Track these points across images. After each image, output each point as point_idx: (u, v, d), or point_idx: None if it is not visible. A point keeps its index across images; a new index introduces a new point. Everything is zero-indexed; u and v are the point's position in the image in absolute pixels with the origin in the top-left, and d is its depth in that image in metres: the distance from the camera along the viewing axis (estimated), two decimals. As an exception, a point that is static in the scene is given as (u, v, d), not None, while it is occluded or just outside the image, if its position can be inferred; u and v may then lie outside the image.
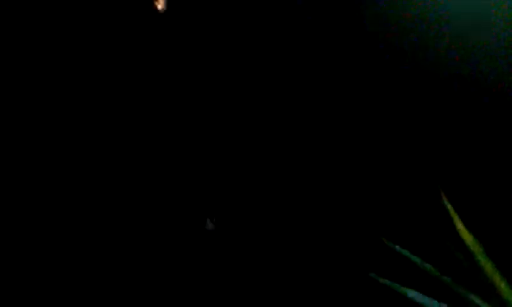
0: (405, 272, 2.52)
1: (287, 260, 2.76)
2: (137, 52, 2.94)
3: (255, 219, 2.83)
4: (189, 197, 2.90)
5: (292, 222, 2.78)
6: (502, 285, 2.22)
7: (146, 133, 2.93)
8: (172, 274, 2.83)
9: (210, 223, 2.66)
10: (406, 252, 2.41)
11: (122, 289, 2.81)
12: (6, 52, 2.92)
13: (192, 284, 2.82)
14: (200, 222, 2.88)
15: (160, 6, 2.32)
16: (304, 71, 2.92)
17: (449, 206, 2.32)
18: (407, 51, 2.86)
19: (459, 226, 2.29)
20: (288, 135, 2.90)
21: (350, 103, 2.89)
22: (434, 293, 2.38)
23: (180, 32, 2.93)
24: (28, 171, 2.90)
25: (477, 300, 2.26)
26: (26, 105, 2.92)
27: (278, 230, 2.78)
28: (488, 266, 2.23)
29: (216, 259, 2.82)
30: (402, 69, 2.86)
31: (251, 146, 2.91)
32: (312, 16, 2.90)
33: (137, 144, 2.92)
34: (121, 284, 2.82)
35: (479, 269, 2.25)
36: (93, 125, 2.93)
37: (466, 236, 2.27)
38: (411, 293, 2.32)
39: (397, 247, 2.44)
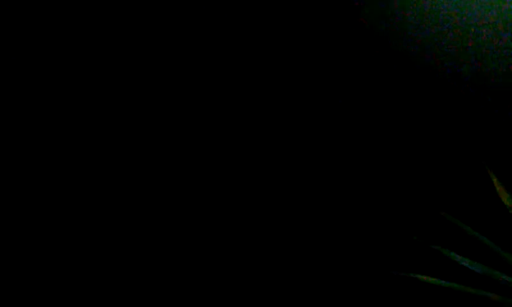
0: (455, 240, 2.62)
1: (348, 225, 2.82)
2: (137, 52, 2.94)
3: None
4: (188, 197, 2.91)
5: (354, 192, 2.84)
6: None
7: (148, 132, 2.93)
8: (173, 273, 2.84)
9: None
10: (457, 221, 2.47)
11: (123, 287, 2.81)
12: (7, 52, 2.92)
13: (194, 283, 2.82)
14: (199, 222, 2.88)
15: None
16: (305, 70, 2.92)
17: (494, 178, 2.38)
18: (407, 51, 2.86)
19: (503, 196, 2.35)
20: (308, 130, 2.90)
21: (354, 99, 2.89)
22: (482, 258, 2.46)
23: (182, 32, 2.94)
24: (28, 171, 2.90)
25: None
26: (30, 105, 2.92)
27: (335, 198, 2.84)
28: None
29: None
30: (401, 68, 2.86)
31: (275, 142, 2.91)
32: (312, 16, 2.90)
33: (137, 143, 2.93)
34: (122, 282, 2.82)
35: None
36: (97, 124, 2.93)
37: (504, 197, 2.33)
38: (463, 261, 2.38)
39: (449, 216, 2.52)
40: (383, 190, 2.82)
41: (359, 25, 2.88)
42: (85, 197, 2.90)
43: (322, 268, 2.78)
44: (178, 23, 2.95)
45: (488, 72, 2.82)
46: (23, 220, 2.87)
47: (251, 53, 2.93)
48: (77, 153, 2.92)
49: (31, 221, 2.87)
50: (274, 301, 2.76)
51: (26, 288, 2.80)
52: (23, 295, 2.79)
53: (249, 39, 2.93)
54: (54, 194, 2.90)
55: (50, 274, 2.82)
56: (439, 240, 2.70)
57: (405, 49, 2.87)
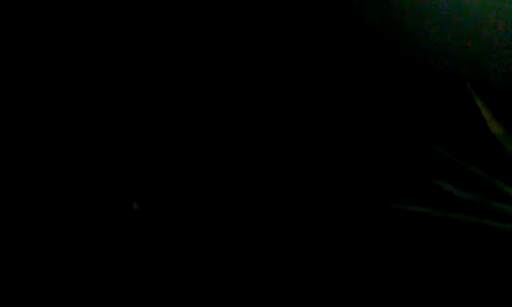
0: (441, 169, 2.65)
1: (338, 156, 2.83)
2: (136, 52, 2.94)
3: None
4: (186, 195, 2.91)
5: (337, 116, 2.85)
6: None
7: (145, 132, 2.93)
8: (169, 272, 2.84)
9: (136, 204, 2.70)
10: (444, 152, 2.47)
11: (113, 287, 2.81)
12: (7, 52, 2.92)
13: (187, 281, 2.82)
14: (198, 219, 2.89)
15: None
16: (305, 70, 2.92)
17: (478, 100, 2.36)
18: (407, 51, 2.87)
19: (487, 116, 2.32)
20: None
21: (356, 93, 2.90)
22: (468, 185, 2.48)
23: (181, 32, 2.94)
24: (28, 171, 2.90)
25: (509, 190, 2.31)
26: (28, 105, 2.92)
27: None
28: None
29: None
30: (402, 67, 2.86)
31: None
32: (312, 16, 2.90)
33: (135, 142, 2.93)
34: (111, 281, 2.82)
35: (508, 157, 2.32)
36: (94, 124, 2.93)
37: (493, 125, 2.31)
38: (447, 186, 2.38)
39: (438, 147, 2.52)
40: (372, 125, 2.82)
41: (359, 25, 2.88)
42: (85, 197, 2.90)
43: (317, 206, 2.79)
44: (178, 24, 2.95)
45: (488, 72, 2.82)
46: (23, 220, 2.87)
47: (252, 53, 2.94)
48: (77, 153, 2.92)
49: (30, 221, 2.87)
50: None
51: (26, 288, 2.80)
52: (23, 295, 2.79)
53: (249, 40, 2.94)
54: (54, 193, 2.90)
55: (50, 274, 2.82)
56: (429, 171, 2.73)
57: (405, 49, 2.87)
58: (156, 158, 2.93)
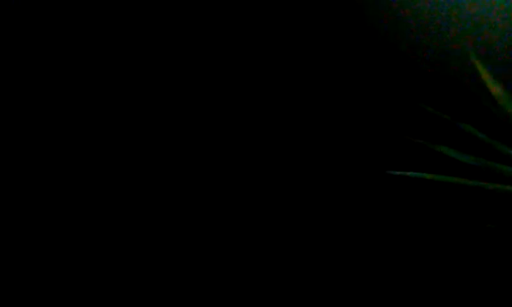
0: (441, 133, 2.64)
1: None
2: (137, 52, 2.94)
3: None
4: (188, 196, 2.91)
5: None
6: None
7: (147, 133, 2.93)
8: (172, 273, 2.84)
9: None
10: (439, 114, 2.46)
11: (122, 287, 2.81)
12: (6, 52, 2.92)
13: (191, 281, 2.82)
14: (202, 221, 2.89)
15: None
16: (305, 70, 2.92)
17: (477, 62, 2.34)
18: (407, 50, 2.87)
19: (486, 77, 2.30)
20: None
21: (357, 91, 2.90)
22: (469, 149, 2.46)
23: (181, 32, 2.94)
24: (28, 171, 2.90)
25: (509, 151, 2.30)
26: (27, 105, 2.92)
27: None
28: None
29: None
30: (401, 67, 2.87)
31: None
32: (313, 16, 2.91)
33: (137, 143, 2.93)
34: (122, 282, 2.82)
35: (507, 117, 2.29)
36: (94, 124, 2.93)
37: (493, 87, 2.29)
38: (446, 150, 2.36)
39: (431, 109, 2.51)
40: (370, 92, 2.81)
41: (359, 25, 2.88)
42: (85, 198, 2.90)
43: (318, 176, 2.78)
44: (178, 23, 2.95)
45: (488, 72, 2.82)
46: (23, 221, 2.87)
47: (252, 51, 2.94)
48: (77, 153, 2.92)
49: (31, 221, 2.88)
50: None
51: (26, 288, 2.80)
52: (23, 295, 2.79)
53: (250, 38, 2.94)
54: (54, 194, 2.90)
55: (50, 274, 2.82)
56: (427, 136, 2.72)
57: (405, 49, 2.87)
58: (156, 158, 2.93)
